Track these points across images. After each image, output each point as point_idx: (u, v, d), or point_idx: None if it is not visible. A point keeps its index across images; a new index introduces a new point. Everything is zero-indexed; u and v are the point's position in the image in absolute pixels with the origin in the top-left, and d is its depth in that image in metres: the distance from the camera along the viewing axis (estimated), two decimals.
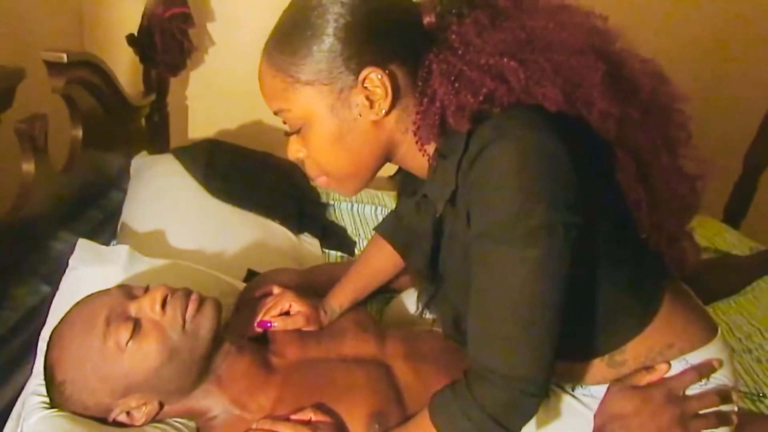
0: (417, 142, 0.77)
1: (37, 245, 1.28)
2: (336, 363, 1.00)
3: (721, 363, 0.87)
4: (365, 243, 1.41)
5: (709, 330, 0.89)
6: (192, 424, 0.96)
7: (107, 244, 1.34)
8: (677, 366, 0.86)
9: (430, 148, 0.79)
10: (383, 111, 0.75)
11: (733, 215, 2.11)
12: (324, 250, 1.62)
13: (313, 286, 1.19)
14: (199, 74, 2.10)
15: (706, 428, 0.85)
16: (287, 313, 1.09)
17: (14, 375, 1.06)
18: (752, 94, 2.14)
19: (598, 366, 0.89)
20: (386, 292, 1.27)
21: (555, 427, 0.93)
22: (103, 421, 0.89)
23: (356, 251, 1.63)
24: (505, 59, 0.71)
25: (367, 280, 1.16)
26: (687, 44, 2.10)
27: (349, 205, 1.82)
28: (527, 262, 0.71)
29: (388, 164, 0.85)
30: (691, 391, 0.86)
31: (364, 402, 0.91)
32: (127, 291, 0.92)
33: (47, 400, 0.90)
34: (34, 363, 1.00)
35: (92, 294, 0.94)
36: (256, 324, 1.07)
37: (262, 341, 1.06)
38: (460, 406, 0.77)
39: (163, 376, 0.87)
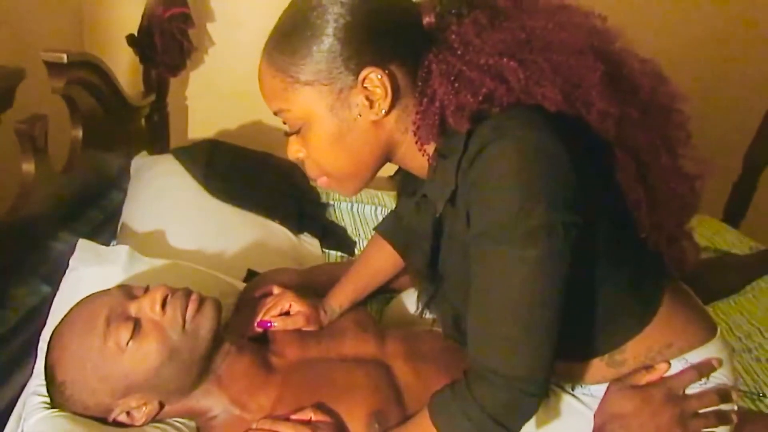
0: (417, 142, 0.77)
1: (38, 245, 1.28)
2: (336, 363, 1.00)
3: (720, 362, 0.87)
4: (365, 243, 1.41)
5: (709, 329, 0.89)
6: (192, 424, 0.96)
7: (107, 244, 1.34)
8: (677, 365, 0.87)
9: (430, 148, 0.79)
10: (383, 111, 0.75)
11: (733, 215, 2.12)
12: (324, 250, 1.62)
13: (313, 286, 1.19)
14: (199, 74, 2.10)
15: (706, 427, 0.86)
16: (287, 313, 1.09)
17: (15, 375, 1.06)
18: (752, 93, 2.14)
19: (598, 365, 0.89)
20: (386, 292, 1.27)
21: (555, 427, 0.93)
22: (103, 421, 0.90)
23: (356, 251, 1.63)
24: (505, 59, 0.71)
25: (367, 280, 1.16)
26: (687, 44, 2.11)
27: (349, 205, 1.82)
28: (527, 262, 0.71)
29: (388, 164, 0.85)
30: (690, 391, 0.87)
31: (364, 402, 0.91)
32: (127, 291, 0.92)
33: (48, 400, 0.90)
34: (34, 363, 1.00)
35: (92, 294, 0.94)
36: (256, 324, 1.07)
37: (262, 341, 1.06)
38: (460, 406, 0.77)
39: (163, 376, 0.87)
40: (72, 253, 1.16)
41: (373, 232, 1.18)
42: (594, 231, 0.76)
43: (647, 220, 0.81)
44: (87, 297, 0.93)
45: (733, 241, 1.78)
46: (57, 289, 1.13)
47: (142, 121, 1.94)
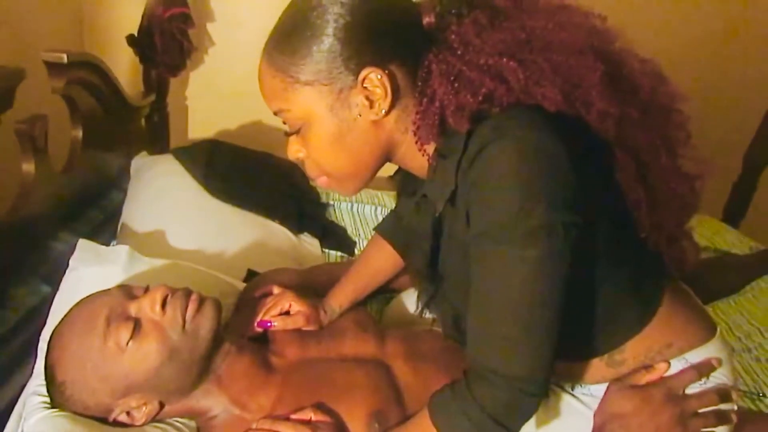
0: (416, 142, 0.78)
1: (38, 245, 1.28)
2: (336, 363, 1.00)
3: (720, 362, 0.87)
4: (365, 243, 1.41)
5: (709, 329, 0.89)
6: (192, 423, 0.96)
7: (107, 244, 1.34)
8: (677, 365, 0.87)
9: (430, 148, 0.79)
10: (383, 111, 0.76)
11: (733, 215, 2.12)
12: (324, 250, 1.62)
13: (313, 286, 1.19)
14: (199, 74, 2.10)
15: (706, 427, 0.86)
16: (287, 313, 1.09)
17: (15, 375, 1.06)
18: (752, 93, 2.14)
19: (598, 365, 0.89)
20: (386, 292, 1.27)
21: (555, 427, 0.93)
22: (103, 420, 0.90)
23: (356, 251, 1.63)
24: (505, 59, 0.72)
25: (367, 280, 1.16)
26: (687, 44, 2.11)
27: (349, 205, 1.82)
28: (527, 262, 0.71)
29: (388, 164, 0.85)
30: (690, 390, 0.87)
31: (363, 401, 0.91)
32: (127, 291, 0.92)
33: (48, 400, 0.90)
34: (34, 363, 1.00)
35: (92, 294, 0.94)
36: (256, 324, 1.08)
37: (262, 341, 1.06)
38: (460, 406, 0.77)
39: (163, 376, 0.87)
40: (72, 253, 1.16)
41: (373, 232, 1.18)
42: (594, 231, 0.76)
43: (647, 220, 0.81)
44: (87, 297, 0.93)
45: (733, 241, 1.78)
46: (57, 289, 1.13)
47: (142, 121, 1.94)
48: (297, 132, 0.80)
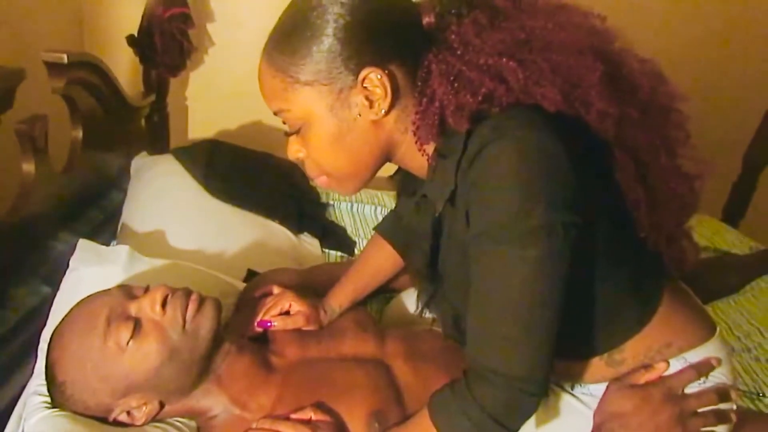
0: (416, 142, 0.78)
1: (38, 246, 1.28)
2: (336, 362, 1.00)
3: (719, 361, 0.87)
4: (365, 243, 1.41)
5: (708, 329, 0.89)
6: (192, 423, 0.96)
7: (107, 244, 1.34)
8: (676, 365, 0.87)
9: (430, 148, 0.79)
10: (383, 111, 0.76)
11: (732, 215, 2.12)
12: (324, 250, 1.62)
13: (313, 286, 1.19)
14: (198, 75, 2.10)
15: (705, 426, 0.86)
16: (287, 313, 1.09)
17: (15, 375, 1.07)
18: (752, 93, 2.14)
19: (597, 365, 0.89)
20: (386, 291, 1.27)
21: (554, 426, 0.93)
22: (104, 420, 0.90)
23: (356, 251, 1.63)
24: (504, 59, 0.72)
25: (366, 279, 1.16)
26: (687, 44, 2.11)
27: (349, 205, 1.82)
28: (527, 262, 0.71)
29: (388, 164, 0.86)
30: (689, 390, 0.87)
31: (363, 401, 0.91)
32: (128, 291, 0.92)
33: (48, 400, 0.90)
34: (35, 363, 1.01)
35: (92, 294, 0.94)
36: (256, 324, 1.08)
37: (262, 341, 1.06)
38: (460, 406, 0.77)
39: (163, 376, 0.88)
40: (72, 253, 1.16)
41: (373, 232, 1.18)
42: (593, 231, 0.76)
43: (647, 220, 0.82)
44: (87, 297, 0.94)
45: (733, 241, 1.78)
46: (57, 289, 1.13)
47: (142, 121, 1.94)
48: (297, 132, 0.80)
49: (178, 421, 0.94)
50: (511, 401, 0.75)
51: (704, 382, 0.87)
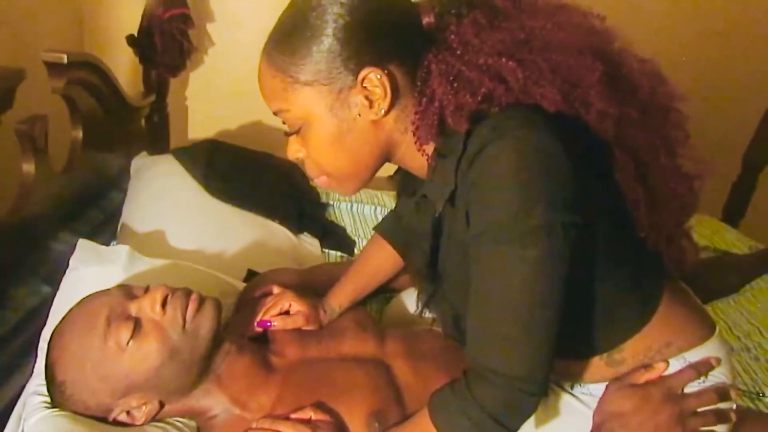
0: (416, 142, 0.78)
1: (38, 246, 1.28)
2: (336, 362, 1.00)
3: (719, 361, 0.87)
4: (365, 243, 1.41)
5: (707, 328, 0.89)
6: (193, 423, 0.96)
7: (107, 244, 1.34)
8: (675, 364, 0.87)
9: (429, 148, 0.79)
10: (382, 111, 0.76)
11: (732, 214, 2.12)
12: (324, 250, 1.62)
13: (313, 286, 1.19)
14: (198, 75, 2.11)
15: (705, 426, 0.86)
16: (287, 313, 1.09)
17: (15, 375, 1.07)
18: (752, 93, 2.14)
19: (597, 364, 0.90)
20: (386, 291, 1.27)
21: (554, 426, 0.93)
22: (104, 420, 0.90)
23: (356, 251, 1.63)
24: (504, 59, 0.72)
25: (366, 279, 1.16)
26: (687, 44, 2.11)
27: (349, 205, 1.82)
28: (526, 262, 0.71)
29: (388, 164, 0.86)
30: (689, 389, 0.87)
31: (363, 401, 0.91)
32: (128, 291, 0.92)
33: (48, 399, 0.90)
34: (34, 363, 1.01)
35: (92, 294, 0.94)
36: (256, 323, 1.08)
37: (262, 341, 1.06)
38: (460, 406, 0.77)
39: (163, 376, 0.88)
40: (72, 253, 1.16)
41: (373, 232, 1.18)
42: (593, 231, 0.76)
43: (646, 220, 0.82)
44: (87, 297, 0.94)
45: (733, 241, 1.79)
46: (57, 289, 1.13)
47: (142, 121, 1.94)
48: (297, 132, 0.80)
49: (178, 421, 0.94)
50: (510, 401, 0.75)
51: (704, 382, 0.87)
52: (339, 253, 1.62)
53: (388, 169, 0.91)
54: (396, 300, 1.28)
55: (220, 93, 2.10)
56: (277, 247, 1.53)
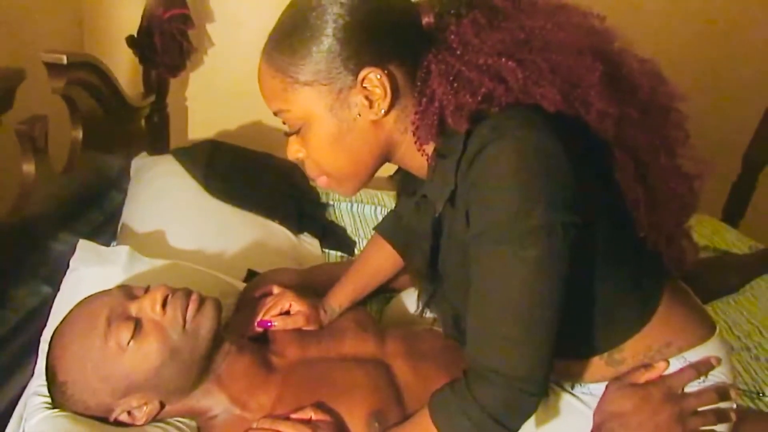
0: (416, 142, 0.78)
1: (38, 246, 1.28)
2: (336, 362, 1.00)
3: (719, 360, 0.87)
4: (365, 243, 1.41)
5: (707, 328, 0.89)
6: (193, 423, 0.96)
7: (107, 244, 1.34)
8: (676, 364, 0.87)
9: (429, 148, 0.79)
10: (382, 111, 0.76)
11: (732, 214, 2.12)
12: (324, 250, 1.63)
13: (313, 286, 1.19)
14: (198, 75, 2.10)
15: (705, 425, 0.86)
16: (287, 313, 1.09)
17: (16, 376, 1.07)
18: (752, 93, 2.14)
19: (597, 364, 0.90)
20: (386, 291, 1.28)
21: (554, 426, 0.94)
22: (104, 420, 0.90)
23: (356, 251, 1.63)
24: (503, 59, 0.72)
25: (366, 279, 1.16)
26: (687, 44, 2.11)
27: (349, 205, 1.82)
28: (526, 262, 0.71)
29: (388, 164, 0.86)
30: (689, 389, 0.87)
31: (363, 401, 0.91)
32: (128, 291, 0.92)
33: (49, 400, 0.90)
34: (35, 364, 1.01)
35: (93, 294, 0.94)
36: (256, 324, 1.08)
37: (262, 341, 1.06)
38: (460, 405, 0.77)
39: (163, 376, 0.88)
40: (72, 254, 1.16)
41: (373, 232, 1.18)
42: (593, 231, 0.76)
43: (646, 220, 0.82)
44: (87, 297, 0.94)
45: (733, 241, 1.79)
46: (57, 289, 1.13)
47: (142, 121, 1.94)
48: (297, 132, 0.80)
49: (178, 421, 0.94)
50: (511, 401, 0.75)
51: (704, 381, 0.87)
52: (339, 253, 1.62)
53: (388, 169, 0.91)
54: (396, 300, 1.28)
55: (220, 93, 2.10)
56: (277, 247, 1.53)
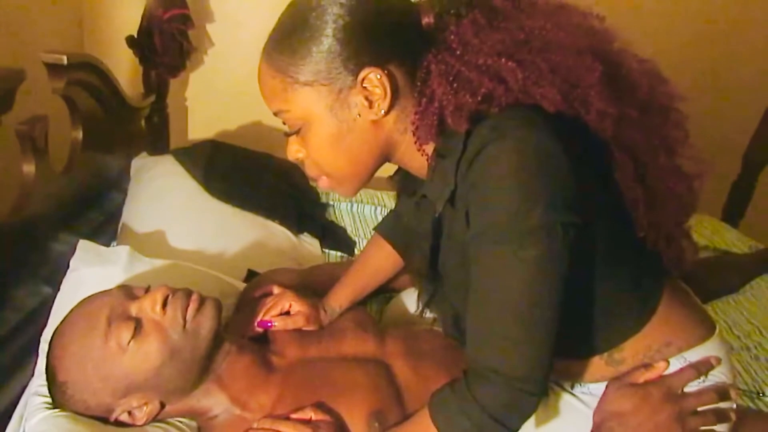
0: (416, 143, 0.78)
1: (38, 246, 1.29)
2: (336, 362, 1.00)
3: (719, 360, 0.87)
4: (365, 243, 1.41)
5: (707, 328, 0.89)
6: (193, 423, 0.96)
7: (108, 245, 1.34)
8: (675, 364, 0.87)
9: (429, 149, 0.79)
10: (382, 111, 0.76)
11: (732, 214, 2.12)
12: (324, 250, 1.63)
13: (313, 286, 1.19)
14: (198, 75, 2.11)
15: (704, 425, 0.86)
16: (287, 313, 1.09)
17: (16, 376, 1.07)
18: (751, 93, 2.14)
19: (597, 364, 0.90)
20: (386, 291, 1.28)
21: (554, 425, 0.94)
22: (105, 420, 0.90)
23: (356, 251, 1.63)
24: (503, 59, 0.72)
25: (366, 279, 1.16)
26: (687, 44, 2.11)
27: (349, 205, 1.82)
28: (526, 262, 0.71)
29: (388, 164, 0.86)
30: (689, 389, 0.87)
31: (363, 401, 0.91)
32: (128, 291, 0.92)
33: (49, 400, 0.90)
34: (35, 364, 1.01)
35: (93, 294, 0.94)
36: (256, 324, 1.08)
37: (263, 341, 1.06)
38: (460, 405, 0.77)
39: (164, 376, 0.88)
40: (72, 254, 1.16)
41: (373, 232, 1.18)
42: (593, 231, 0.76)
43: (645, 220, 0.82)
44: (88, 297, 0.94)
45: (733, 241, 1.79)
46: (58, 289, 1.13)
47: (142, 122, 1.94)
48: (297, 132, 0.80)
49: (178, 421, 0.95)
50: (510, 401, 0.75)
51: (704, 381, 0.87)
52: (339, 253, 1.63)
53: (388, 169, 0.91)
54: (396, 300, 1.28)
55: (220, 93, 2.11)
56: (277, 247, 1.53)
